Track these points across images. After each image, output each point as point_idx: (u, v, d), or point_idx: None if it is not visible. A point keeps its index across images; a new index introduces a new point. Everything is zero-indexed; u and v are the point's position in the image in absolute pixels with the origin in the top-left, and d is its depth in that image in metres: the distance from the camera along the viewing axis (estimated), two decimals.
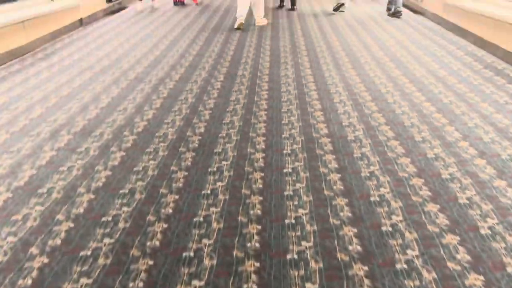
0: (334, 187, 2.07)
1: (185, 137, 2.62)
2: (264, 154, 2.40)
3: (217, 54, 4.53)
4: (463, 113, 2.92)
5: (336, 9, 6.83)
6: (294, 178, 2.15)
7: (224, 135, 2.65)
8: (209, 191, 2.05)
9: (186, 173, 2.21)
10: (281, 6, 7.45)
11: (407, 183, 2.09)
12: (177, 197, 2.00)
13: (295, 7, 7.09)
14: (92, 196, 2.01)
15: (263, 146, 2.49)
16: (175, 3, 7.30)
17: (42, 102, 3.18)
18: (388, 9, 6.58)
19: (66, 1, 5.66)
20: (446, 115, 2.89)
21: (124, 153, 2.42)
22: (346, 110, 3.00)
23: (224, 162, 2.31)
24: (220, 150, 2.46)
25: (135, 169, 2.25)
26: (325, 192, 2.03)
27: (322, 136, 2.62)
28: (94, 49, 4.74)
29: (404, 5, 7.30)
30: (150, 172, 2.22)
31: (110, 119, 2.88)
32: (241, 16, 5.70)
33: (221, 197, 2.01)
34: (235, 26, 5.70)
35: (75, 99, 3.24)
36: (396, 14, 6.41)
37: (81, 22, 5.88)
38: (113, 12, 7.02)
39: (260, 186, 2.09)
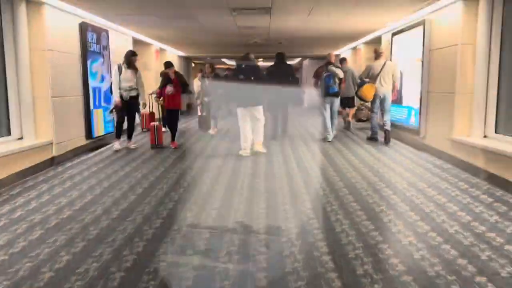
0: None
1: None
2: None
3: (200, 206, 3.79)
4: (502, 266, 2.11)
5: (371, 138, 7.34)
6: None
7: None
8: None
9: None
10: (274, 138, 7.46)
11: None
12: None
13: (286, 132, 8.04)
14: None
15: None
16: (152, 146, 6.82)
17: None
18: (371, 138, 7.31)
19: (38, 139, 5.14)
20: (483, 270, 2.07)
21: None
22: None
23: None
24: None
25: None
26: None
27: None
28: (58, 195, 4.02)
29: (405, 142, 7.00)
30: None
31: None
32: (245, 150, 5.97)
33: None
34: (240, 153, 5.97)
35: (4, 276, 2.37)
36: (373, 138, 7.26)
37: (52, 161, 5.27)
38: (94, 149, 6.52)
39: None
